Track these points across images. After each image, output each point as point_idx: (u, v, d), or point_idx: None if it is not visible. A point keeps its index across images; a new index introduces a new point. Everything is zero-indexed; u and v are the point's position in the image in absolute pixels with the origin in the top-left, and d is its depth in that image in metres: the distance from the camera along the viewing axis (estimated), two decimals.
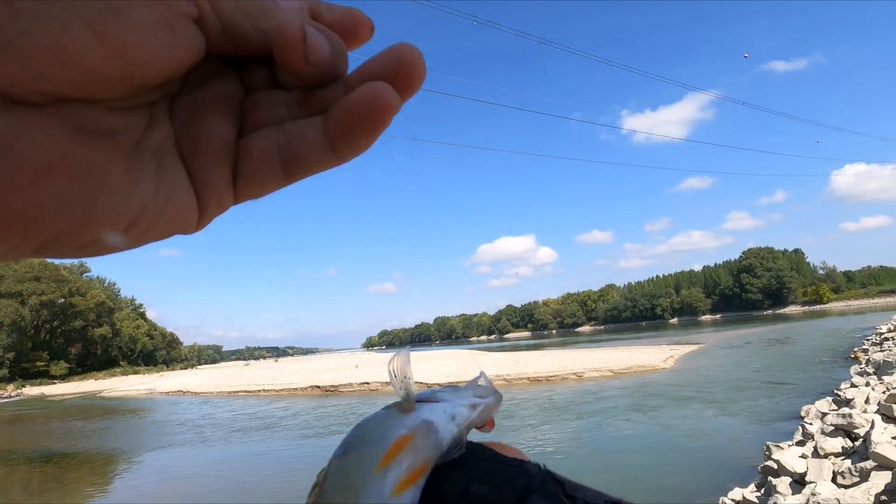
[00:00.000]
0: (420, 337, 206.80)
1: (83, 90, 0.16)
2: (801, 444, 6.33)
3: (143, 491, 10.03)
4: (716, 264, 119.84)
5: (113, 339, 75.64)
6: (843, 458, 5.36)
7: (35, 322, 67.14)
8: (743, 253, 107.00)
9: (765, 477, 5.65)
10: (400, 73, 0.22)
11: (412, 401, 0.32)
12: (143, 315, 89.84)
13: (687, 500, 6.32)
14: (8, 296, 61.21)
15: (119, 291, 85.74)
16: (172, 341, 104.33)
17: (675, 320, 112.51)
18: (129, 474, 11.76)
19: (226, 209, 0.23)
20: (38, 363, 64.84)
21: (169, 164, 0.20)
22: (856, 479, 4.66)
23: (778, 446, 6.24)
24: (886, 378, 8.68)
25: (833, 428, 5.94)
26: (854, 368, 12.63)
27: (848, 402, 7.71)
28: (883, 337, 18.33)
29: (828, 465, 5.08)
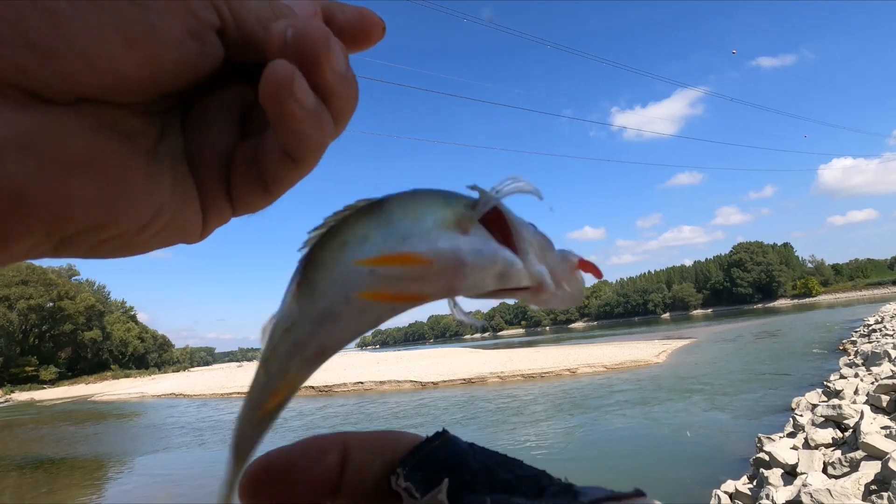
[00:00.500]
0: (414, 335, 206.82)
1: (109, 93, 0.17)
2: (791, 435, 6.40)
3: (136, 494, 9.94)
4: (706, 259, 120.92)
5: (103, 342, 74.86)
6: (833, 448, 5.43)
7: (23, 326, 66.26)
8: (733, 248, 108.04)
9: (757, 469, 5.70)
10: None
11: (474, 217, 0.22)
12: (133, 318, 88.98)
13: (681, 493, 6.37)
14: None
15: (109, 294, 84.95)
16: (164, 344, 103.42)
17: (666, 315, 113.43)
18: (121, 478, 11.65)
19: (226, 221, 0.24)
20: (27, 368, 64.01)
21: (181, 171, 0.21)
22: (846, 470, 4.71)
23: (769, 438, 6.31)
24: (875, 369, 8.80)
25: (823, 419, 6.01)
26: (843, 360, 12.80)
27: (837, 394, 7.81)
28: (871, 328, 18.59)
29: (818, 456, 5.14)
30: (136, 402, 33.10)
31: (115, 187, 0.17)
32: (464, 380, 21.05)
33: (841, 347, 17.47)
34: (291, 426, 15.27)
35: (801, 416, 6.95)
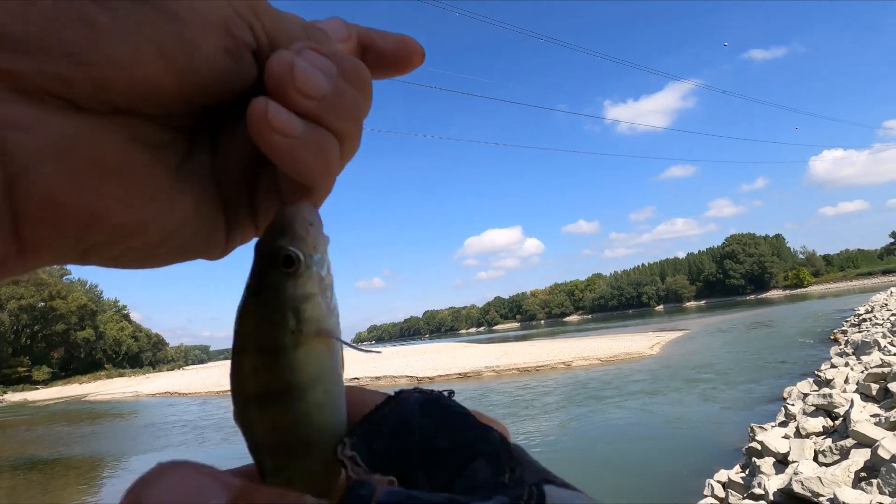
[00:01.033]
0: (410, 331, 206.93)
1: (142, 105, 0.17)
2: (783, 424, 6.47)
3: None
4: (699, 251, 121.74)
5: (97, 341, 74.37)
6: (824, 437, 5.50)
7: (15, 327, 65.67)
8: (726, 240, 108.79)
9: (749, 458, 5.76)
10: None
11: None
12: (127, 317, 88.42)
13: (675, 483, 6.43)
14: None
15: (101, 294, 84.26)
16: (158, 342, 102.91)
17: (660, 307, 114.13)
18: (116, 478, 11.60)
19: (248, 240, 0.24)
20: (20, 369, 63.50)
21: (208, 187, 0.21)
22: (836, 458, 4.78)
23: (762, 428, 6.38)
24: (864, 358, 8.90)
25: (814, 408, 6.08)
26: (834, 349, 12.93)
27: (828, 383, 7.90)
28: (861, 318, 18.80)
29: (809, 445, 5.20)
30: (130, 401, 32.94)
31: (142, 198, 0.18)
32: (460, 374, 21.11)
33: (832, 337, 17.67)
34: None
35: (793, 405, 7.03)
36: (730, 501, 5.14)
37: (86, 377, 67.46)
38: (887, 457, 3.88)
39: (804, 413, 6.16)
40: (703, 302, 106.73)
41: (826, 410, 5.93)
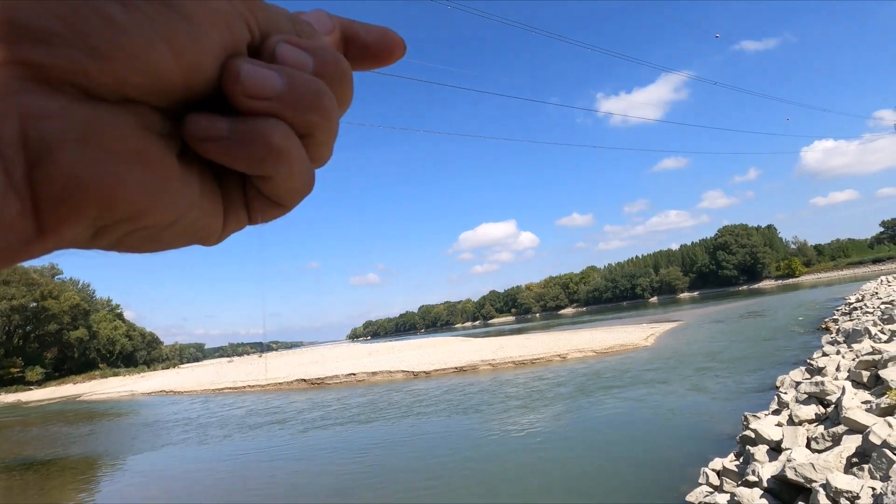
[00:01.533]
0: (405, 326, 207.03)
1: (151, 96, 0.19)
2: (776, 412, 6.54)
3: (127, 494, 9.89)
4: (692, 243, 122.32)
5: (90, 341, 73.82)
6: (816, 424, 5.56)
7: (7, 327, 65.08)
8: (718, 231, 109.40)
9: (743, 446, 5.83)
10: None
11: None
12: (120, 316, 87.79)
13: (671, 471, 6.50)
14: None
15: (94, 293, 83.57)
16: (153, 341, 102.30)
17: (654, 299, 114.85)
18: (113, 478, 11.57)
19: (242, 228, 0.25)
20: (13, 369, 62.97)
21: (208, 176, 0.22)
22: (828, 444, 4.84)
23: (755, 416, 6.44)
24: (855, 346, 9.01)
25: (806, 396, 6.14)
26: (826, 338, 13.07)
27: (820, 371, 7.98)
28: (852, 307, 19.00)
29: (802, 432, 5.26)
30: (126, 400, 32.77)
31: (156, 181, 0.19)
32: (456, 368, 21.15)
33: (824, 326, 17.85)
34: (279, 420, 15.26)
35: (786, 393, 7.10)
36: (724, 489, 5.20)
37: (80, 377, 67.02)
38: (878, 442, 3.93)
39: (797, 401, 6.23)
40: (696, 293, 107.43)
41: (818, 398, 6.00)
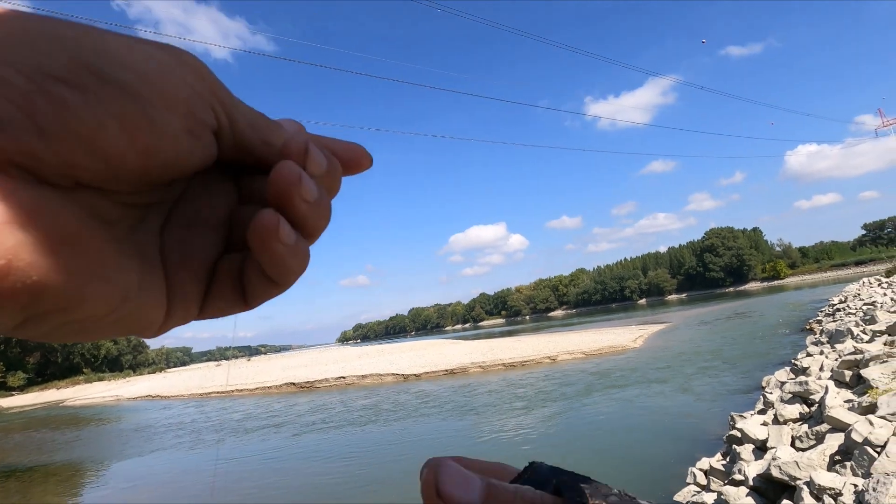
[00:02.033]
0: (395, 329, 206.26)
1: (102, 180, 0.18)
2: (762, 412, 6.64)
3: (112, 499, 9.73)
4: (680, 245, 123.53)
5: (74, 345, 72.54)
6: (800, 423, 5.66)
7: None
8: (705, 233, 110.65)
9: (730, 446, 5.91)
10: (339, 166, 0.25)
11: None
12: None
13: (659, 471, 6.56)
14: None
15: None
16: (138, 345, 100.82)
17: (643, 301, 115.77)
18: (97, 484, 11.38)
19: (187, 322, 0.24)
20: None
21: (151, 266, 0.21)
22: (812, 442, 4.92)
23: (741, 416, 6.53)
24: (838, 346, 9.18)
25: (791, 395, 6.25)
26: (810, 338, 13.30)
27: (804, 371, 8.12)
28: (835, 308, 19.33)
29: (787, 431, 5.35)
30: (111, 405, 32.27)
31: (90, 271, 0.18)
32: (446, 371, 21.14)
33: (808, 327, 18.14)
34: (266, 424, 15.13)
35: (771, 393, 7.21)
36: (711, 488, 5.26)
37: (63, 382, 65.86)
38: (860, 440, 4.01)
39: (782, 401, 6.33)
40: (684, 295, 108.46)
41: (802, 397, 6.10)
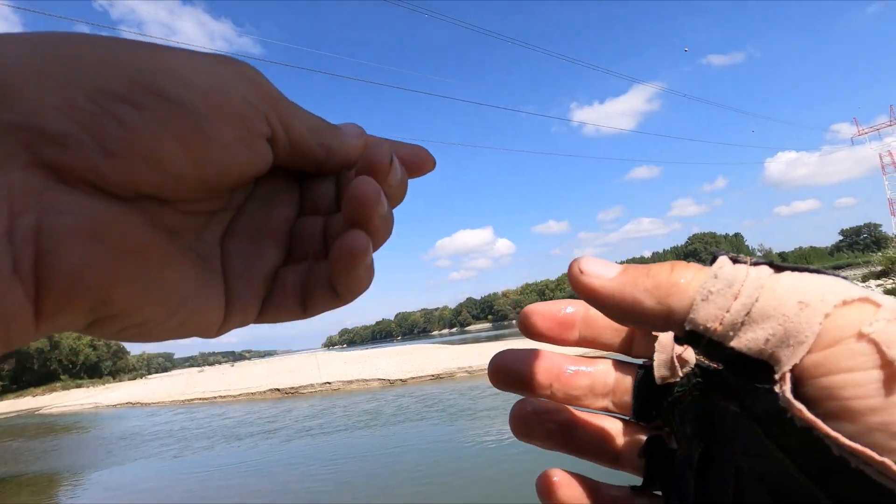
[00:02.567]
0: (382, 333, 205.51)
1: (163, 191, 0.19)
2: None
3: None
4: (664, 250, 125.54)
5: (51, 351, 70.90)
6: None
7: None
8: (688, 238, 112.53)
9: None
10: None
11: None
12: None
13: None
14: None
15: None
16: (119, 351, 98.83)
17: None
18: (75, 494, 11.08)
19: (245, 325, 0.25)
20: None
21: (210, 272, 0.22)
22: None
23: None
24: None
25: None
26: None
27: None
28: None
29: None
30: (89, 412, 31.53)
31: (153, 279, 0.19)
32: (433, 376, 21.07)
33: None
34: (249, 431, 14.92)
35: None
36: None
37: (39, 389, 64.19)
38: None
39: None
40: None
41: None
